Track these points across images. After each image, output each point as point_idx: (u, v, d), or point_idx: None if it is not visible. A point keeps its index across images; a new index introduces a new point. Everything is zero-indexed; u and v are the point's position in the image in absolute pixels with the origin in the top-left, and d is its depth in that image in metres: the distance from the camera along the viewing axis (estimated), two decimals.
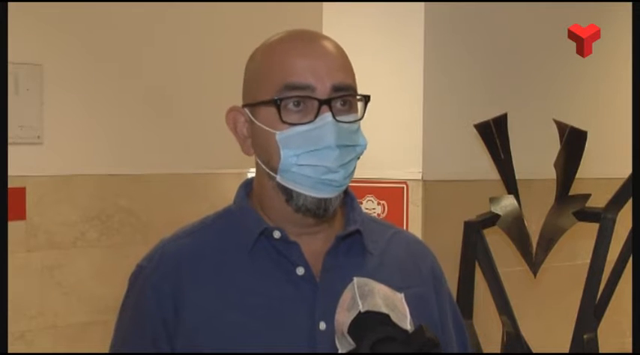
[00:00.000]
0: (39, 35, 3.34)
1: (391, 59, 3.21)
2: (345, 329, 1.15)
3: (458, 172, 3.27)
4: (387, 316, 1.14)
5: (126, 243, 3.52)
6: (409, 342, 1.11)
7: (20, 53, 3.20)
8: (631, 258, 2.76)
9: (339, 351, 1.17)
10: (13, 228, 3.15)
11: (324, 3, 3.49)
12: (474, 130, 2.93)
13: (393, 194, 3.19)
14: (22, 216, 3.25)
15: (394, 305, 1.17)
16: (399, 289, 1.23)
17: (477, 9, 3.31)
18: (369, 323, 1.14)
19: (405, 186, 3.17)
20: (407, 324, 1.15)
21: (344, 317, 1.17)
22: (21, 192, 3.24)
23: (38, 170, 3.31)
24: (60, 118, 3.40)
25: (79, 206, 3.43)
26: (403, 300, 1.19)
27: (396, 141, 3.13)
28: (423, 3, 3.17)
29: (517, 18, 3.47)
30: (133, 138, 3.59)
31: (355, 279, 1.20)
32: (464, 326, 1.65)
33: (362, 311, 1.15)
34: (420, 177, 3.15)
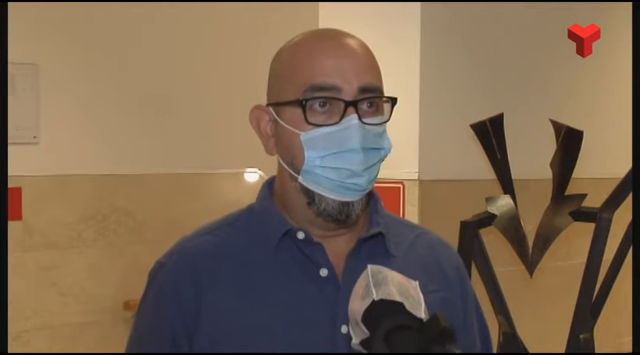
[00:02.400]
0: (35, 35, 3.34)
1: (387, 59, 3.19)
2: (359, 318, 1.13)
3: (454, 172, 3.27)
4: (401, 304, 1.13)
5: (122, 243, 3.52)
6: (424, 330, 1.10)
7: (16, 53, 3.20)
8: (630, 258, 2.76)
9: (353, 340, 1.15)
10: (9, 227, 3.16)
11: (320, 3, 3.49)
12: (470, 130, 2.93)
13: (389, 194, 3.18)
14: (18, 216, 3.25)
15: (408, 293, 1.15)
16: (423, 292, 1.22)
17: (473, 9, 3.31)
18: (383, 312, 1.12)
19: (401, 186, 3.17)
20: (421, 313, 1.13)
21: (358, 306, 1.15)
22: (17, 192, 3.24)
23: (34, 170, 3.32)
24: (56, 118, 3.40)
25: (75, 206, 3.43)
26: (417, 288, 1.17)
27: (393, 141, 3.12)
28: (419, 3, 3.18)
29: (513, 18, 3.48)
30: (129, 139, 3.59)
31: (369, 267, 1.18)
32: (488, 332, 1.64)
33: (376, 299, 1.13)
34: (417, 177, 3.15)
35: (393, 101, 1.43)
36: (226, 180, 3.66)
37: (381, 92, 1.42)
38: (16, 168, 3.15)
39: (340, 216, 1.40)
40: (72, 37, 3.46)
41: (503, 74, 3.46)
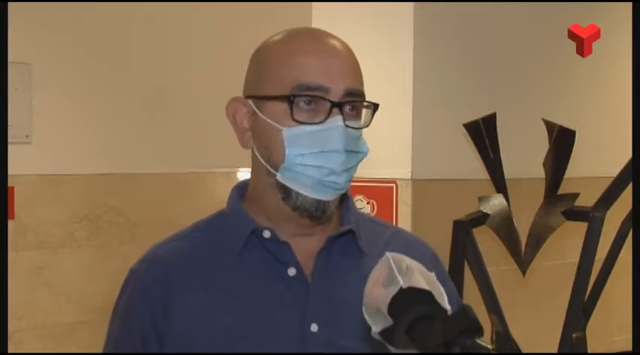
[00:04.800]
0: (27, 34, 3.32)
1: (380, 59, 3.21)
2: (384, 305, 1.10)
3: (447, 171, 3.28)
4: (429, 293, 1.10)
5: (115, 243, 3.51)
6: (450, 322, 1.06)
7: (8, 52, 3.19)
8: (622, 257, 2.77)
9: (373, 328, 1.11)
10: None
11: (314, 3, 3.49)
12: (463, 129, 2.94)
13: (382, 193, 3.19)
14: (10, 215, 3.24)
15: (433, 282, 1.12)
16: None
17: (465, 9, 3.32)
18: (411, 300, 1.09)
19: (394, 185, 3.17)
20: (445, 303, 1.10)
21: (381, 293, 1.11)
22: (9, 191, 3.23)
23: (27, 169, 3.30)
24: (49, 117, 3.39)
25: (67, 205, 3.42)
26: (435, 278, 1.15)
27: (386, 141, 3.13)
28: (412, 3, 3.18)
29: (506, 18, 3.48)
30: (122, 138, 3.58)
31: (389, 255, 1.15)
32: None
33: (404, 286, 1.09)
34: (410, 177, 3.15)
35: (375, 108, 1.43)
36: (219, 180, 3.65)
37: (364, 97, 1.42)
38: (8, 167, 3.14)
39: (316, 212, 1.40)
40: (64, 36, 3.44)
41: (496, 74, 3.46)
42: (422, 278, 1.12)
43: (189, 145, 3.71)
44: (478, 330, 1.06)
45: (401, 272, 1.12)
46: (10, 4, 3.17)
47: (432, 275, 1.15)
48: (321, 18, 3.43)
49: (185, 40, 3.74)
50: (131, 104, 3.60)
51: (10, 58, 3.24)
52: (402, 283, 1.10)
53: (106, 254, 3.47)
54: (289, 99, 1.36)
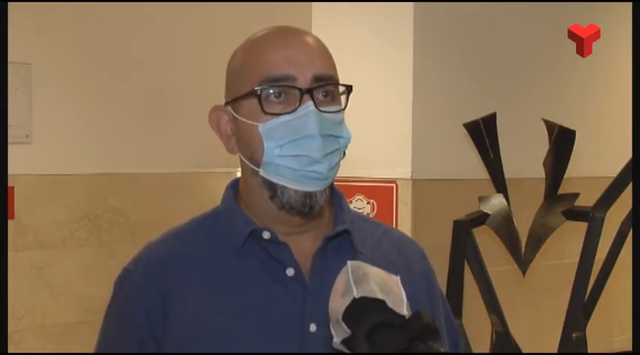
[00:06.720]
0: (27, 34, 3.33)
1: (380, 58, 3.21)
2: (340, 316, 1.12)
3: (447, 171, 3.28)
4: (382, 302, 1.11)
5: (115, 243, 3.51)
6: (406, 328, 1.08)
7: (9, 52, 3.19)
8: (622, 257, 2.77)
9: (335, 339, 1.12)
10: None
11: (314, 3, 3.49)
12: (464, 129, 2.94)
13: (382, 193, 3.19)
14: (10, 215, 3.24)
15: (390, 289, 1.13)
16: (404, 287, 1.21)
17: (466, 9, 3.32)
18: (365, 310, 1.10)
19: (394, 185, 3.17)
20: (403, 309, 1.11)
21: (338, 304, 1.13)
22: (9, 191, 3.23)
23: (27, 169, 3.31)
24: (49, 117, 3.40)
25: (67, 205, 3.42)
26: (399, 283, 1.15)
27: (386, 141, 3.13)
28: (412, 3, 3.18)
29: (506, 17, 3.48)
30: (122, 138, 3.58)
31: (349, 263, 1.16)
32: (456, 328, 1.63)
33: (356, 297, 1.11)
34: (410, 177, 3.15)
35: (349, 89, 1.43)
36: (219, 180, 3.65)
37: (336, 81, 1.42)
38: (8, 167, 3.14)
39: (304, 208, 1.40)
40: (65, 36, 3.45)
41: (496, 73, 3.46)
42: (376, 286, 1.13)
43: (188, 145, 3.72)
44: (432, 334, 1.08)
45: (356, 281, 1.13)
46: (10, 4, 3.17)
47: (393, 281, 1.16)
48: (321, 18, 3.43)
49: (185, 40, 3.74)
50: (131, 104, 3.60)
51: (10, 58, 3.24)
52: (355, 293, 1.11)
53: (106, 254, 3.48)
54: (257, 94, 1.37)
